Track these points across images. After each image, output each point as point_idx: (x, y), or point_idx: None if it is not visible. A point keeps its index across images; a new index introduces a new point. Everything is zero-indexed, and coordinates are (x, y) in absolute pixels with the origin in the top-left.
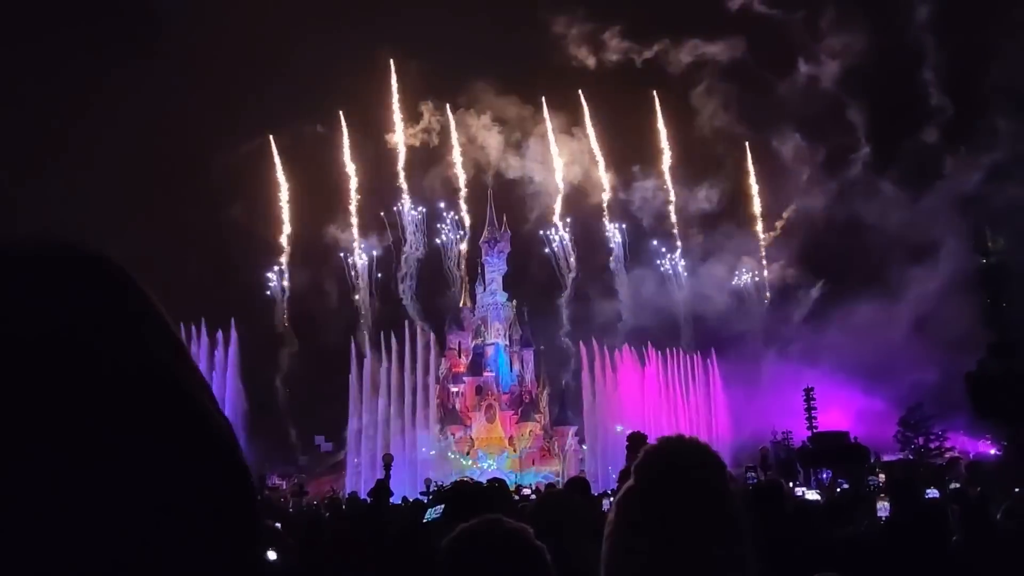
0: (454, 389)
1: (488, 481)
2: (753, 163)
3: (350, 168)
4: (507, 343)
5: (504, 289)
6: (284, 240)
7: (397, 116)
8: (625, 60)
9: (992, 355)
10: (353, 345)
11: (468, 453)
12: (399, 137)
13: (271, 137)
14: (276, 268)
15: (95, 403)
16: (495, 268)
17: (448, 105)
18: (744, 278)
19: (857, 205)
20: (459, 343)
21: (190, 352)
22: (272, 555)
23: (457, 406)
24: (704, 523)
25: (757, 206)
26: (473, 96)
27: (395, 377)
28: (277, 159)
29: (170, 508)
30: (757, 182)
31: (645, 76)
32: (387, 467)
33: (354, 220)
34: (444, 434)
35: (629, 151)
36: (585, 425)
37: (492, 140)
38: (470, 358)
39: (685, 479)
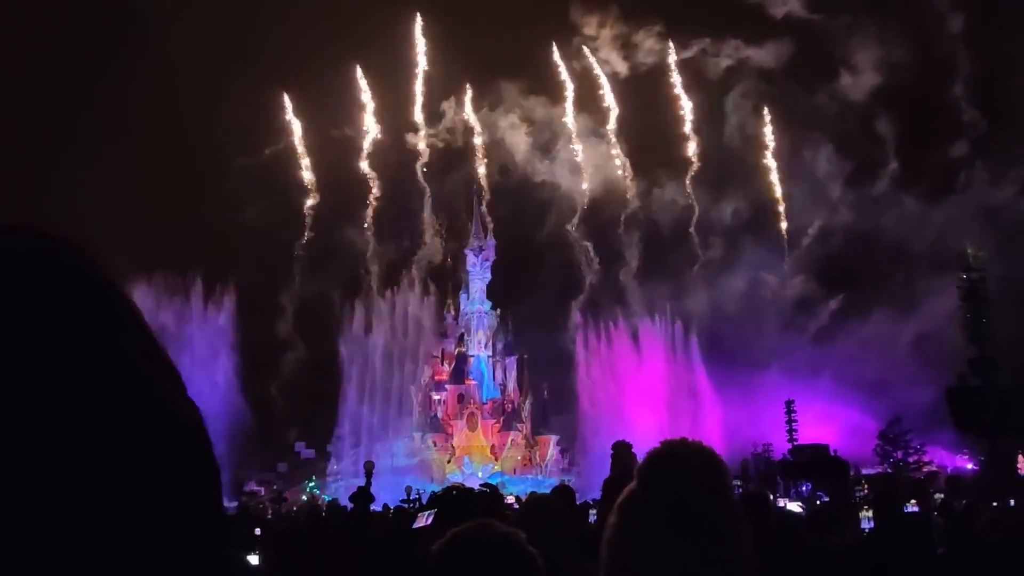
0: (436, 397)
1: (479, 487)
2: (780, 174)
3: (371, 174)
4: (490, 352)
5: (489, 297)
6: (304, 239)
7: (419, 115)
8: (658, 63)
9: (972, 370)
10: (343, 349)
11: (450, 461)
12: (424, 135)
13: (295, 138)
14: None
15: (51, 397)
16: (479, 276)
17: (471, 104)
18: (763, 292)
19: (880, 220)
20: (442, 350)
21: (161, 344)
22: (254, 560)
23: (439, 414)
24: (708, 525)
25: (783, 220)
26: (498, 96)
27: (380, 383)
28: (304, 161)
29: (127, 504)
30: (784, 198)
31: (676, 79)
32: (368, 474)
33: (370, 223)
34: (425, 442)
35: (656, 155)
36: (580, 399)
37: (515, 142)
38: (453, 365)
39: (689, 481)
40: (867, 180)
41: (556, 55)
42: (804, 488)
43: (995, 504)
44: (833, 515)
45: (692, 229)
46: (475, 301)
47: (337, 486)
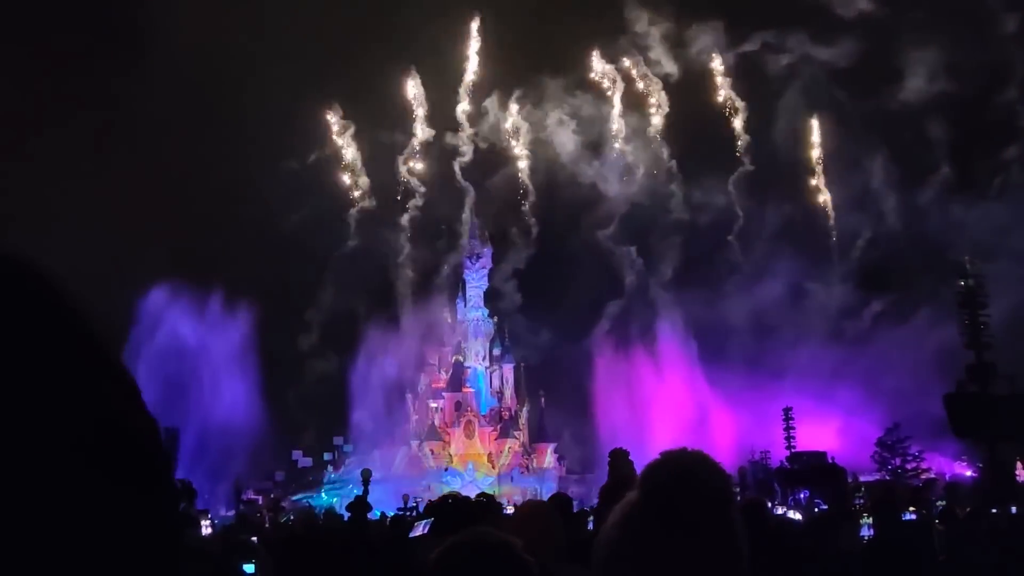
0: (433, 404)
1: (476, 496)
2: (828, 177)
3: (414, 181)
4: (487, 361)
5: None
6: (347, 245)
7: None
8: (711, 62)
9: (969, 376)
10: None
11: (447, 469)
12: (468, 135)
13: (340, 142)
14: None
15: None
16: (476, 284)
17: (516, 105)
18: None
19: (919, 226)
20: (439, 358)
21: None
22: (250, 569)
23: (436, 422)
24: (709, 537)
25: (832, 228)
26: (544, 95)
27: (377, 391)
28: (350, 165)
29: (62, 517)
30: (829, 205)
31: (728, 80)
32: (366, 482)
33: (407, 228)
34: (422, 450)
35: (703, 157)
36: (598, 407)
37: (559, 142)
38: (450, 373)
39: (691, 491)
40: (913, 186)
41: (604, 55)
42: (802, 496)
43: (995, 511)
44: (832, 523)
45: (732, 237)
46: (472, 308)
47: (335, 494)
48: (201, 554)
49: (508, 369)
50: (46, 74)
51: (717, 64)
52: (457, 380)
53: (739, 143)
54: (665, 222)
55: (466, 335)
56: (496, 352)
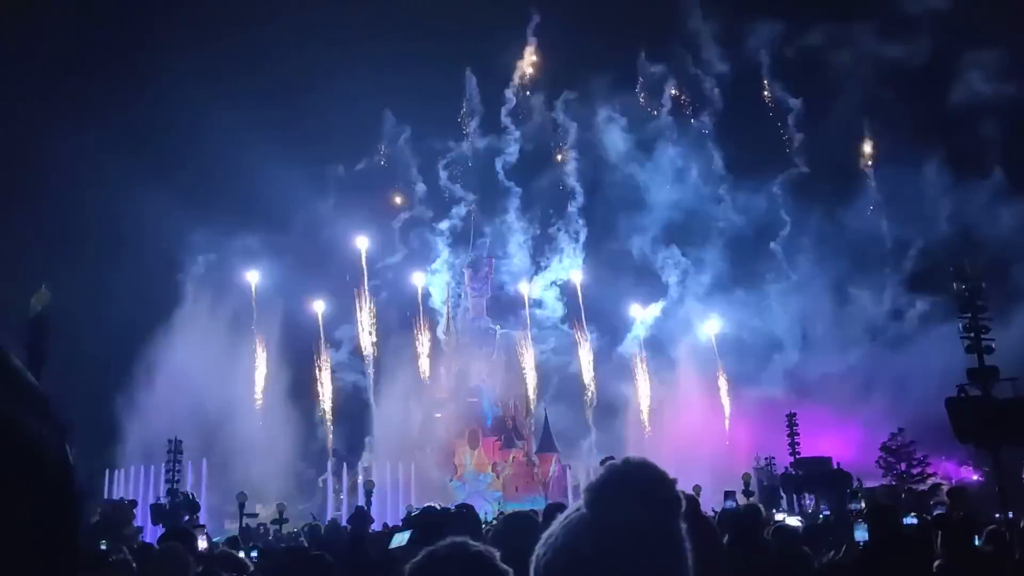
0: (437, 415)
1: (456, 507)
2: (880, 183)
3: (458, 189)
4: (490, 369)
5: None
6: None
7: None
8: (760, 59)
9: (971, 380)
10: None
11: (451, 479)
12: (518, 136)
13: (387, 151)
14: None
15: None
16: (479, 293)
17: (563, 106)
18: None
19: (969, 230)
20: (443, 369)
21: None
22: None
23: (441, 432)
24: (650, 543)
25: (886, 236)
26: (592, 96)
27: (382, 402)
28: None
29: None
30: (887, 217)
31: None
32: (368, 494)
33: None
34: (427, 460)
35: (753, 157)
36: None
37: (608, 142)
38: (455, 383)
39: (631, 500)
40: (963, 189)
41: (655, 53)
42: (808, 501)
43: (997, 515)
44: (832, 529)
45: (775, 243)
46: (475, 318)
47: (339, 506)
48: (184, 569)
49: (513, 379)
50: (93, 71)
51: (768, 61)
52: (461, 390)
53: (794, 143)
54: (711, 226)
55: (470, 344)
56: (500, 361)
